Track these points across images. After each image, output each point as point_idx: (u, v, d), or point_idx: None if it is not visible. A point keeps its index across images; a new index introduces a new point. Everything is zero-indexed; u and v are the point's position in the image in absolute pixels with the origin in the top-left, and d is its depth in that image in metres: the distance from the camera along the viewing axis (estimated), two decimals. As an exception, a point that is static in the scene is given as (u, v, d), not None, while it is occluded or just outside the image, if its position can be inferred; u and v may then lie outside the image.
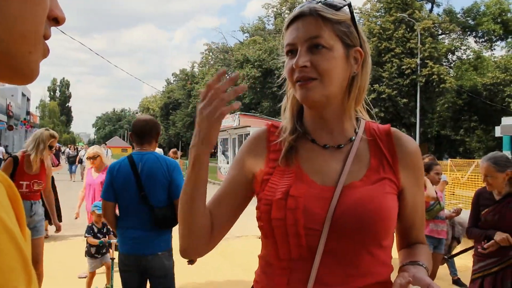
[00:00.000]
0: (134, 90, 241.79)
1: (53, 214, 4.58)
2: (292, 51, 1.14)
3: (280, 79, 1.26)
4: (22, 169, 4.13)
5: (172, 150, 17.52)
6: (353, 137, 1.19)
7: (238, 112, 28.97)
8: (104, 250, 4.82)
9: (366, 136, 1.20)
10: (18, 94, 51.20)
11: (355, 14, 1.19)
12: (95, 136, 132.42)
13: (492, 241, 3.18)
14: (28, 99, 56.28)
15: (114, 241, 4.17)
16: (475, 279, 3.31)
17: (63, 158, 21.50)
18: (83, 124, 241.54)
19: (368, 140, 1.19)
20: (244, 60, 35.77)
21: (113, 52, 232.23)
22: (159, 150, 18.87)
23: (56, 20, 0.62)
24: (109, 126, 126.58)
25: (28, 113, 53.64)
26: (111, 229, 4.49)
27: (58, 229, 4.72)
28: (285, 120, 1.24)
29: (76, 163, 21.74)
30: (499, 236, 3.14)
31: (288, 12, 40.79)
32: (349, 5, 1.15)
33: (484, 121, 35.10)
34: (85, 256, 4.84)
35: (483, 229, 3.32)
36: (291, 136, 1.19)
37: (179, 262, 2.98)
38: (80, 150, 24.93)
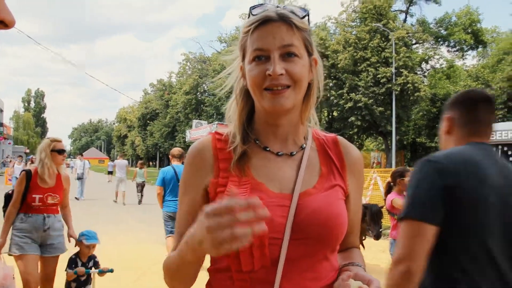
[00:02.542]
0: (111, 101, 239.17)
1: (70, 227, 4.31)
2: (260, 57, 1.09)
3: (240, 84, 1.19)
4: (36, 182, 4.03)
5: (139, 162, 18.47)
6: (304, 145, 1.19)
7: (216, 122, 28.92)
8: (87, 285, 4.10)
9: (315, 143, 1.22)
10: (-10, 105, 50.08)
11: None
12: (71, 148, 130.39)
13: None
14: (1, 110, 55.08)
15: (95, 271, 3.99)
16: None
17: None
18: (59, 135, 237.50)
19: (317, 147, 1.21)
20: (221, 70, 35.78)
21: (90, 62, 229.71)
22: (124, 162, 18.60)
23: (4, 23, 0.61)
24: (86, 137, 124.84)
25: (1, 124, 52.44)
26: (98, 264, 4.14)
27: (74, 241, 4.24)
28: (232, 127, 1.19)
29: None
30: None
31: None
32: (308, 16, 1.16)
33: (457, 129, 35.78)
34: None
35: None
36: (242, 143, 1.15)
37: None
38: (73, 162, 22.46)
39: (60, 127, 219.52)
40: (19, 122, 75.67)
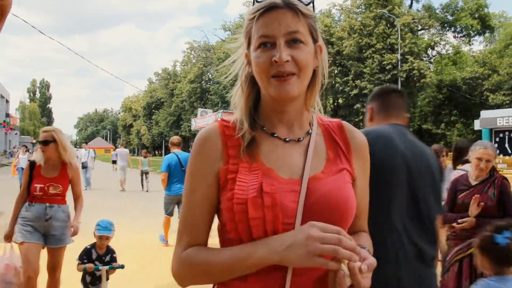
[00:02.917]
0: (116, 91, 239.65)
1: (74, 218, 4.15)
2: (266, 44, 1.09)
3: (246, 72, 1.19)
4: (39, 172, 4.07)
5: (143, 151, 18.99)
6: (310, 130, 1.20)
7: (221, 110, 28.88)
8: (100, 282, 3.82)
9: (320, 129, 1.22)
10: (-4, 96, 50.30)
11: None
12: (77, 137, 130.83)
13: (467, 217, 3.38)
14: (7, 101, 55.31)
15: (105, 267, 3.77)
16: (453, 263, 3.42)
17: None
18: (65, 125, 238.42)
19: (322, 133, 1.21)
20: (226, 58, 35.64)
21: (94, 52, 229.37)
22: (125, 151, 18.82)
23: None
24: (92, 127, 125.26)
25: (7, 115, 52.74)
26: (115, 260, 3.93)
27: (73, 232, 4.11)
28: (239, 114, 1.19)
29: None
30: (473, 208, 3.36)
31: (269, 9, 40.89)
32: (313, 2, 1.15)
33: (463, 115, 35.71)
34: (81, 283, 3.90)
35: (459, 213, 3.50)
36: (251, 129, 1.15)
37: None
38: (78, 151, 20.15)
39: (66, 117, 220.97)
40: (25, 113, 76.15)
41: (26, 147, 19.66)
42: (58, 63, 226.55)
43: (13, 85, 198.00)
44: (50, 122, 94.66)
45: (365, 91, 30.23)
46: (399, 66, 29.49)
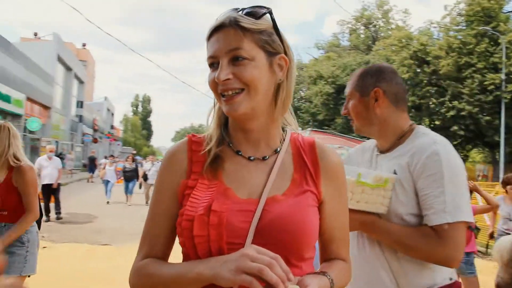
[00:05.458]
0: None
1: (7, 238, 3.02)
2: (214, 64, 1.11)
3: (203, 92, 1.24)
4: None
5: None
6: (278, 149, 1.17)
7: (309, 129, 28.85)
8: None
9: (291, 147, 1.18)
10: (103, 109, 54.64)
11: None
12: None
13: None
14: (112, 114, 59.82)
15: None
16: None
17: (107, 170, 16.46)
18: (162, 138, 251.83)
19: (292, 152, 1.17)
20: (317, 77, 35.74)
21: (192, 69, 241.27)
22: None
23: None
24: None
25: (112, 127, 56.88)
26: None
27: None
28: (210, 130, 1.20)
29: (139, 179, 16.57)
30: None
31: (364, 28, 40.38)
32: (270, 13, 1.12)
33: None
34: None
35: None
36: (217, 146, 1.16)
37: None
38: (143, 163, 20.22)
39: (164, 130, 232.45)
40: (127, 125, 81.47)
41: (113, 157, 18.41)
42: (159, 79, 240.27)
43: (119, 100, 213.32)
44: (149, 134, 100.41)
45: (463, 113, 28.49)
46: (503, 87, 27.47)
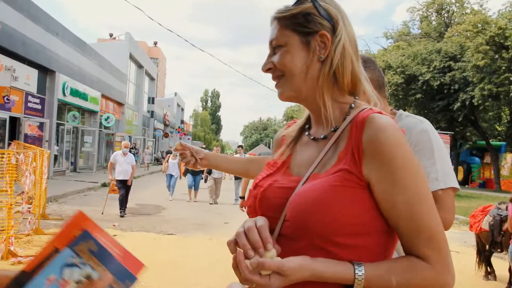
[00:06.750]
0: (279, 100, 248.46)
1: None
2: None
3: None
4: None
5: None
6: (337, 127, 1.13)
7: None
8: None
9: (350, 125, 1.10)
10: (174, 105, 56.56)
11: None
12: (243, 144, 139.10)
13: None
14: (182, 109, 61.73)
15: None
16: None
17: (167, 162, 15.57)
18: (231, 132, 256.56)
19: (349, 129, 1.09)
20: (386, 67, 34.64)
21: (262, 63, 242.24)
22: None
23: None
24: (256, 135, 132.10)
25: (182, 121, 58.72)
26: None
27: None
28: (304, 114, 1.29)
29: (204, 174, 14.95)
30: None
31: (436, 14, 38.53)
32: None
33: None
34: None
35: None
36: (296, 129, 1.26)
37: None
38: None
39: (233, 124, 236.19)
40: (197, 120, 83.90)
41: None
42: (229, 74, 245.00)
43: (189, 95, 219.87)
44: (219, 128, 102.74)
45: (548, 101, 26.40)
46: None
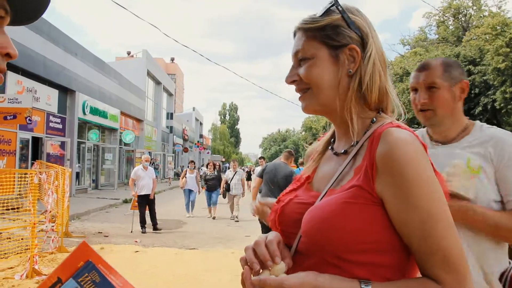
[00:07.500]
0: (298, 111, 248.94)
1: None
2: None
3: None
4: None
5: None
6: (358, 141, 1.10)
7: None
8: None
9: (369, 139, 1.06)
10: (192, 119, 57.00)
11: None
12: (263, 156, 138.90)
13: None
14: (201, 124, 62.17)
15: None
16: None
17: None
18: (250, 145, 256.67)
19: (367, 144, 1.05)
20: (403, 73, 34.32)
21: (278, 76, 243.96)
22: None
23: (9, 55, 0.79)
24: (275, 146, 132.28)
25: (201, 136, 59.09)
26: None
27: None
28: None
29: (221, 188, 14.06)
30: None
31: (453, 18, 38.16)
32: (336, 4, 1.11)
33: None
34: None
35: None
36: (322, 143, 1.25)
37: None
38: (225, 170, 17.98)
39: (252, 137, 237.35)
40: (216, 134, 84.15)
41: (193, 163, 15.23)
42: (246, 87, 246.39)
43: (208, 109, 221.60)
44: (238, 142, 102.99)
45: None
46: None
